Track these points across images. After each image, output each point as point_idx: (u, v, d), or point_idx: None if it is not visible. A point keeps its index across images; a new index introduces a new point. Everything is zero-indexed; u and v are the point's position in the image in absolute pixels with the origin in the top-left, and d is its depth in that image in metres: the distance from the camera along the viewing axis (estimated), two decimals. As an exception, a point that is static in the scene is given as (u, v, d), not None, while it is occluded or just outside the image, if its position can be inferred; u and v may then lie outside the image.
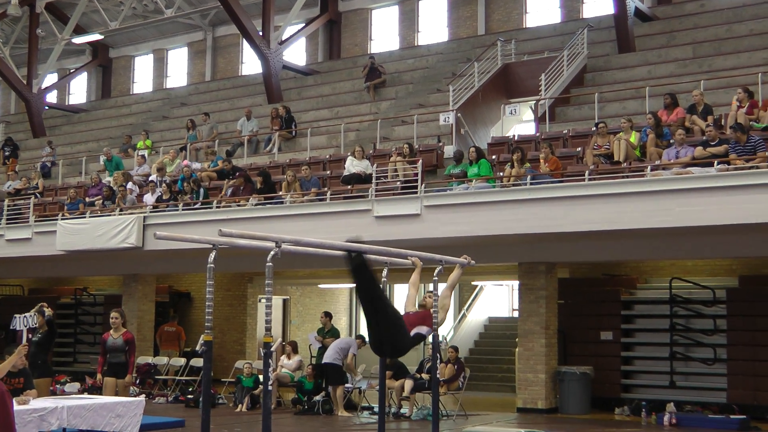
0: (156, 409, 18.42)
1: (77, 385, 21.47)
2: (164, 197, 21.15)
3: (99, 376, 13.72)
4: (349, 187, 19.03)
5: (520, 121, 24.30)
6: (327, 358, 18.29)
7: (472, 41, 27.90)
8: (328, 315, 20.29)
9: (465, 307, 26.65)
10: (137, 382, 21.09)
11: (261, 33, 27.66)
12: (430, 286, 9.95)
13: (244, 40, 29.72)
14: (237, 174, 20.67)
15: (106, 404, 10.68)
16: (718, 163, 14.63)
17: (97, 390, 14.38)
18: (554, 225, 15.53)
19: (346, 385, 18.49)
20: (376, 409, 16.76)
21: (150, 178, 22.80)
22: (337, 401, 18.12)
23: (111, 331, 13.68)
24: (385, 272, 9.86)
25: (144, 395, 19.35)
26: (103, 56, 37.34)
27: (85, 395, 13.58)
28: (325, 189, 19.10)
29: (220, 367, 23.50)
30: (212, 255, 7.51)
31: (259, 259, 8.33)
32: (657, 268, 20.15)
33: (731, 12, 23.84)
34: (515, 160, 17.02)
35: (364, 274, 8.43)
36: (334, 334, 19.82)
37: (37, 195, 25.09)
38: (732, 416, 16.38)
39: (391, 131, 23.14)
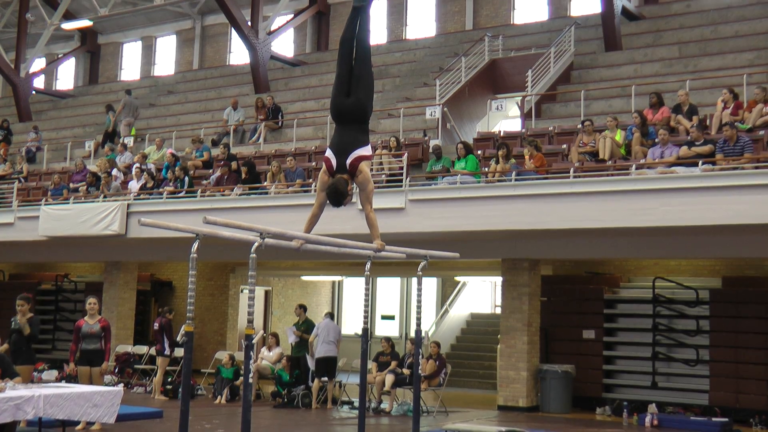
0: (134, 399, 18.36)
1: (55, 372, 21.37)
2: (147, 185, 21.07)
3: (72, 365, 13.67)
4: (333, 179, 18.92)
5: (506, 117, 24.33)
6: (326, 352, 18.16)
7: (460, 36, 27.90)
8: (302, 307, 20.14)
9: (447, 303, 26.62)
10: (116, 371, 21.02)
11: (250, 23, 27.64)
12: (414, 281, 9.91)
13: (233, 29, 29.67)
14: (223, 162, 20.56)
15: (84, 393, 10.60)
16: (703, 164, 14.64)
17: (73, 378, 14.30)
18: (538, 222, 15.51)
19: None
20: (356, 404, 16.73)
21: (135, 166, 22.70)
22: (329, 394, 18.15)
23: (86, 318, 13.64)
24: (368, 265, 9.81)
25: (122, 384, 19.28)
26: (92, 42, 37.21)
27: (63, 383, 13.49)
28: (310, 180, 19.04)
29: (200, 357, 23.46)
30: (195, 245, 7.45)
31: (241, 249, 8.30)
32: (640, 267, 20.17)
33: (717, 13, 23.93)
34: (500, 156, 17.00)
35: (367, 13, 8.63)
36: (310, 326, 19.49)
37: (21, 180, 24.97)
38: (714, 419, 16.37)
39: (378, 124, 23.09)
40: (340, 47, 8.68)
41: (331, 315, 19.55)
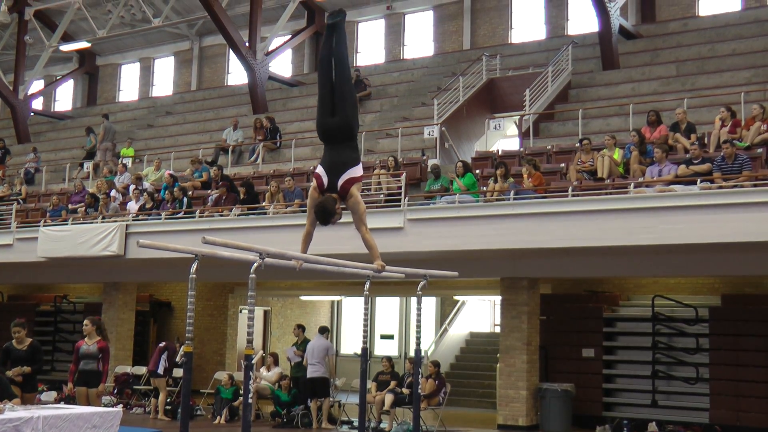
0: (133, 419, 18.29)
1: (53, 393, 21.30)
2: (146, 206, 21.06)
3: (70, 385, 13.61)
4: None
5: (504, 136, 24.34)
6: (312, 372, 18.08)
7: (458, 56, 27.97)
8: (301, 327, 20.06)
9: (446, 322, 26.57)
10: (115, 392, 20.95)
11: (247, 44, 27.67)
12: (413, 301, 9.87)
13: (231, 50, 29.69)
14: (220, 183, 20.55)
15: (83, 414, 10.54)
16: (701, 182, 14.65)
17: (72, 399, 14.23)
18: (537, 240, 15.50)
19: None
20: (356, 423, 16.68)
21: (131, 187, 22.72)
22: (324, 414, 18.05)
23: (86, 339, 13.60)
24: (367, 285, 9.79)
25: (121, 405, 19.21)
26: (90, 64, 37.30)
27: (62, 404, 13.43)
28: (309, 200, 19.01)
29: (199, 377, 23.36)
30: (194, 265, 7.44)
31: (241, 270, 8.28)
32: (639, 285, 20.16)
33: (714, 31, 24.00)
34: (499, 175, 17.01)
35: (341, 29, 8.55)
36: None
37: (20, 201, 24.96)
38: (714, 437, 16.37)
39: (376, 144, 23.12)
40: (318, 67, 8.67)
41: (323, 329, 19.32)
